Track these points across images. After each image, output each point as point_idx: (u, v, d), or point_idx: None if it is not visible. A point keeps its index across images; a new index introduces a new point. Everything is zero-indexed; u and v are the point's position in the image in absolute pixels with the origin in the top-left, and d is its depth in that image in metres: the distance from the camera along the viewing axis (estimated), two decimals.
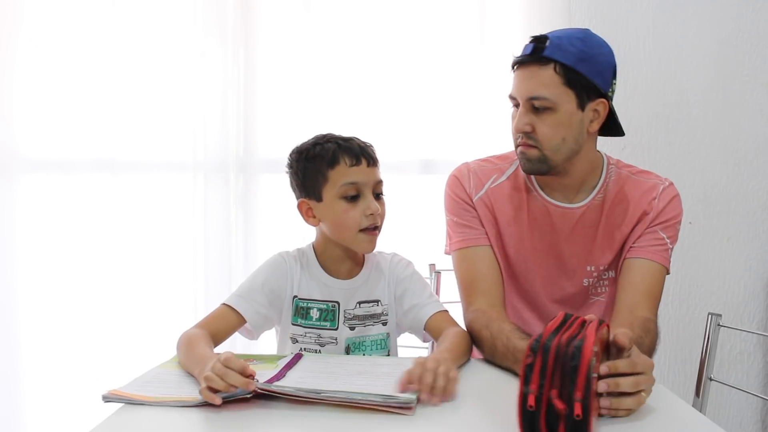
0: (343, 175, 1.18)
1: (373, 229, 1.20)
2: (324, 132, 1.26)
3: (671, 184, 1.32)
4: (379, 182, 1.22)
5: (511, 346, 1.10)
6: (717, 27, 2.13)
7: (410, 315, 1.27)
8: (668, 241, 1.28)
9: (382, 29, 2.03)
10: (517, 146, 1.26)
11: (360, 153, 1.19)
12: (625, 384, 0.86)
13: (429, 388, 0.93)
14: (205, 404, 0.90)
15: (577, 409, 0.74)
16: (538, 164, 1.23)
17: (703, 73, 2.13)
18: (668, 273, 1.29)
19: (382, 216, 1.22)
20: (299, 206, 1.25)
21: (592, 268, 1.31)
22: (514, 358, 1.06)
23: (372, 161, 1.21)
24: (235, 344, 1.94)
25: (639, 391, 0.88)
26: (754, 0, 2.13)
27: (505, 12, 2.03)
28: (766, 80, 2.15)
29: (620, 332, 0.90)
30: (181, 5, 1.98)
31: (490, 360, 1.17)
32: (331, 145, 1.20)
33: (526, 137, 1.22)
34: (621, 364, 0.87)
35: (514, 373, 1.06)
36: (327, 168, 1.19)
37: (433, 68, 2.03)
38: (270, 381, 0.98)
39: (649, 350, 1.13)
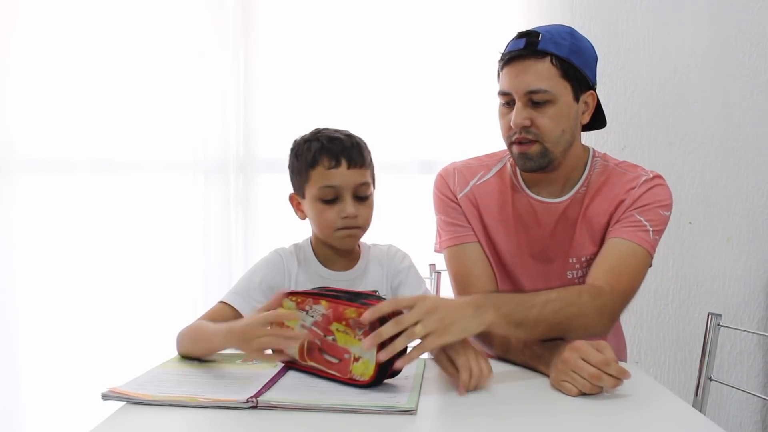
0: (321, 177, 1.18)
1: (351, 228, 1.20)
2: (323, 126, 1.26)
3: (657, 176, 1.29)
4: (362, 184, 1.20)
5: (528, 341, 1.10)
6: (717, 27, 2.13)
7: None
8: (647, 223, 1.23)
9: (382, 29, 2.03)
10: (511, 144, 1.25)
11: (341, 153, 1.18)
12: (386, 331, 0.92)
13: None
14: (204, 405, 0.91)
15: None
16: (540, 159, 1.22)
17: (703, 73, 2.13)
18: (651, 256, 1.23)
19: (365, 218, 1.21)
20: (290, 199, 1.27)
21: (574, 260, 1.31)
22: (532, 353, 1.08)
23: (354, 163, 1.18)
24: None
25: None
26: (754, 0, 2.13)
27: (506, 12, 2.02)
28: (766, 80, 2.15)
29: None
30: (181, 5, 1.98)
31: (503, 356, 1.17)
32: (315, 144, 1.20)
33: (524, 132, 1.21)
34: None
35: (526, 368, 1.08)
36: (308, 168, 1.19)
37: (432, 68, 2.03)
38: (270, 382, 0.98)
39: (557, 311, 1.08)
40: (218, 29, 1.99)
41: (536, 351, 1.07)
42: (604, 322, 1.14)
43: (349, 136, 1.23)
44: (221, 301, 1.21)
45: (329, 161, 1.17)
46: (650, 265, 1.25)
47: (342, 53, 2.03)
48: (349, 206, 1.18)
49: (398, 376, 1.03)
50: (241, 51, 2.00)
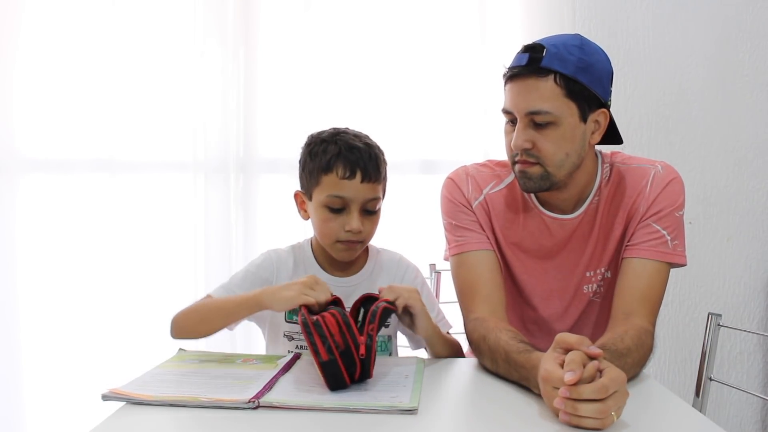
0: (332, 185, 1.15)
1: (352, 242, 1.18)
2: (342, 126, 1.24)
3: (666, 166, 1.23)
4: (373, 199, 1.17)
5: (512, 361, 1.02)
6: (717, 27, 2.13)
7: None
8: (665, 232, 1.18)
9: (383, 29, 2.02)
10: (514, 163, 1.19)
11: (357, 165, 1.14)
12: (587, 410, 0.81)
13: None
14: (205, 405, 0.91)
15: (362, 350, 0.95)
16: (540, 181, 1.16)
17: (703, 73, 2.13)
18: (676, 266, 1.20)
19: (368, 233, 1.19)
20: (295, 196, 1.25)
21: (592, 274, 1.27)
22: (519, 375, 1.01)
23: (369, 177, 1.15)
24: (236, 345, 1.95)
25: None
26: (754, 0, 2.13)
27: (506, 11, 2.02)
28: (766, 80, 2.15)
29: (592, 361, 0.85)
30: (181, 5, 1.98)
31: (495, 373, 1.09)
32: (333, 147, 1.16)
33: (526, 154, 1.15)
34: (586, 390, 0.81)
35: (521, 385, 1.02)
36: (321, 171, 1.16)
37: (433, 68, 2.03)
38: (270, 382, 0.98)
39: (637, 364, 1.05)
40: (218, 29, 1.98)
41: (522, 373, 1.00)
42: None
43: (369, 146, 1.18)
44: (208, 295, 1.21)
45: (344, 171, 1.14)
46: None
47: (342, 53, 2.02)
48: (354, 220, 1.15)
49: (398, 375, 1.03)
50: (241, 51, 2.00)
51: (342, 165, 1.14)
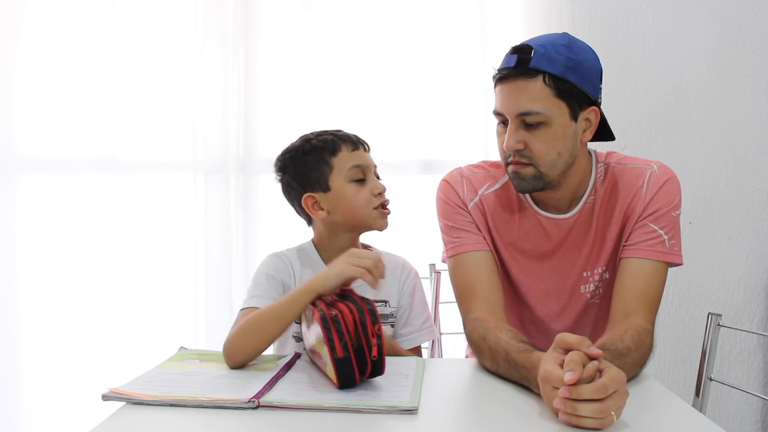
0: (347, 159, 1.22)
1: (386, 206, 1.25)
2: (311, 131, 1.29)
3: (661, 166, 1.23)
4: (376, 167, 1.27)
5: (512, 361, 1.02)
6: (717, 27, 2.13)
7: (402, 330, 1.28)
8: (663, 232, 1.18)
9: (382, 29, 2.03)
10: (507, 164, 1.19)
11: (356, 140, 1.25)
12: (586, 410, 0.81)
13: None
14: (204, 405, 0.91)
15: (374, 352, 0.95)
16: (534, 182, 1.17)
17: (704, 73, 2.13)
18: (673, 265, 1.20)
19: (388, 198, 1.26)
20: (305, 201, 1.24)
21: (589, 274, 1.27)
22: (519, 374, 1.00)
23: (367, 147, 1.27)
24: None
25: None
26: (754, 0, 2.13)
27: (506, 11, 2.03)
28: (766, 80, 2.15)
29: (592, 361, 0.85)
30: (181, 6, 1.98)
31: (495, 372, 1.08)
32: (327, 136, 1.25)
33: (518, 155, 1.15)
34: (585, 391, 0.81)
35: (521, 385, 1.02)
36: (330, 156, 1.22)
37: (433, 68, 2.04)
38: (270, 382, 0.98)
39: (637, 363, 1.05)
40: (218, 29, 1.99)
41: (523, 373, 0.99)
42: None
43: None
44: (243, 309, 1.19)
45: (350, 145, 1.23)
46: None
47: (342, 53, 2.03)
48: (378, 183, 1.24)
49: (398, 375, 1.03)
50: (241, 51, 2.00)
51: (344, 142, 1.23)
